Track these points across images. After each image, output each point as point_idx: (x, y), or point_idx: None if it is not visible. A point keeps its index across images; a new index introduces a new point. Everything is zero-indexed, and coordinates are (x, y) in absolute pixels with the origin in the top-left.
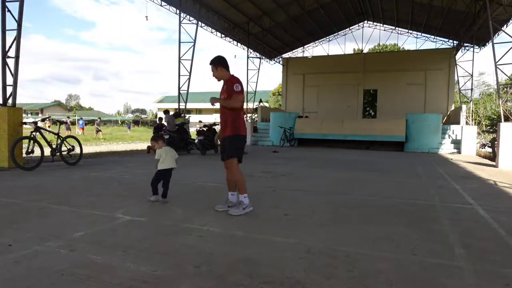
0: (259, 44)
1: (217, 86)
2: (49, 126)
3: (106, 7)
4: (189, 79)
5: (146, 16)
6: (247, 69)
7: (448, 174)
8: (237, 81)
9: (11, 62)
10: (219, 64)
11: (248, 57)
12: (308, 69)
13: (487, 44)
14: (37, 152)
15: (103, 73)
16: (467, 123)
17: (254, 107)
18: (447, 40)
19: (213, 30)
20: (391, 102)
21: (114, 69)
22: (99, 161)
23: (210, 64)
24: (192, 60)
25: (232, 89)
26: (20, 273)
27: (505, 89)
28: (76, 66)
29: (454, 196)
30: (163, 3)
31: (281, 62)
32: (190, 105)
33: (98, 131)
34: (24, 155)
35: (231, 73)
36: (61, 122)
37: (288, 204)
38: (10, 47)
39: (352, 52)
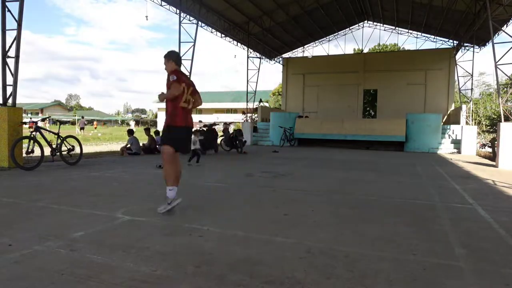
0: (259, 44)
1: (215, 86)
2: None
3: (104, 6)
4: None
5: (146, 16)
6: (247, 69)
7: (448, 174)
8: (173, 72)
9: (11, 62)
10: (168, 57)
11: (248, 57)
12: (308, 69)
13: (487, 44)
14: (37, 152)
15: (102, 73)
16: (467, 123)
17: (254, 107)
18: (447, 40)
19: (213, 30)
20: (391, 102)
21: (114, 69)
22: (99, 161)
23: (164, 57)
24: (192, 60)
25: (168, 80)
26: (20, 273)
27: (505, 89)
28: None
29: (454, 196)
30: (163, 3)
31: (281, 62)
32: None
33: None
34: (24, 155)
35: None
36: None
37: (288, 204)
38: (10, 47)
39: (352, 52)
